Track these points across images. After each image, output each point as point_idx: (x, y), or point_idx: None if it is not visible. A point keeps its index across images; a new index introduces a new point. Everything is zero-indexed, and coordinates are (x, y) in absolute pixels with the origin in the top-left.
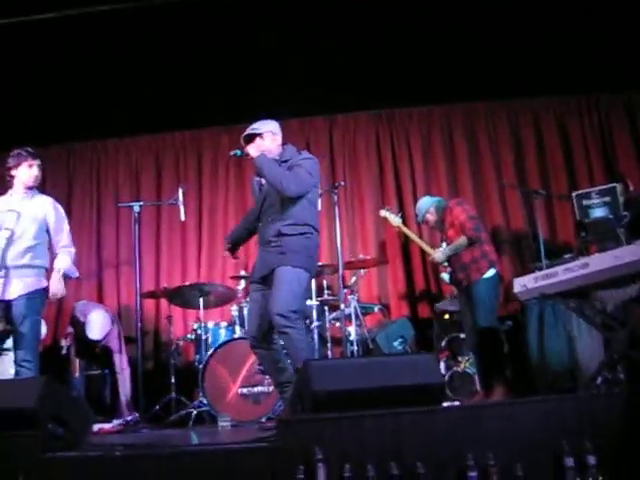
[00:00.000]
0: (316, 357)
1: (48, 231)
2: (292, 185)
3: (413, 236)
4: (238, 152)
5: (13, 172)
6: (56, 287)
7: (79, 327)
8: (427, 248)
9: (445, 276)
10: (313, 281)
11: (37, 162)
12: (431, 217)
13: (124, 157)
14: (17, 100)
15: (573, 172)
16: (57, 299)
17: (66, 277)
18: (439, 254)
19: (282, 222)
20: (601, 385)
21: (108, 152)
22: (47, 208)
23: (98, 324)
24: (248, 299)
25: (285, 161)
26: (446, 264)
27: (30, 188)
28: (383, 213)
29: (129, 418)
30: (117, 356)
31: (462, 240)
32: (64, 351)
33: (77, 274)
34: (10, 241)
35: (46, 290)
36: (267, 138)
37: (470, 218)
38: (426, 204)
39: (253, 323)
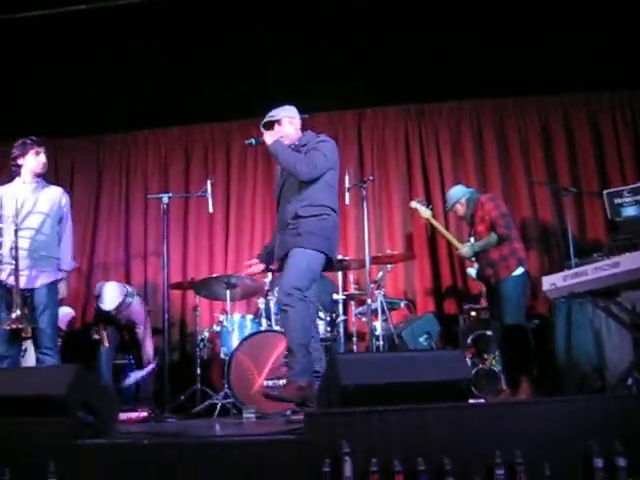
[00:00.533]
0: (313, 335)
1: (59, 220)
2: (305, 168)
3: (442, 229)
4: (253, 141)
5: (20, 161)
6: (63, 290)
7: (97, 303)
8: (455, 242)
9: (472, 271)
10: (340, 275)
11: (43, 149)
12: (460, 208)
13: (153, 149)
14: (48, 91)
15: (604, 170)
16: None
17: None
18: (467, 249)
19: (299, 204)
20: (631, 386)
21: (137, 144)
22: (60, 198)
23: (109, 295)
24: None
25: (303, 145)
26: (473, 259)
27: (38, 175)
28: (413, 204)
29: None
30: (141, 329)
31: (492, 237)
32: (95, 336)
33: (75, 264)
34: (28, 231)
35: (62, 280)
36: (285, 123)
37: (502, 215)
38: (458, 193)
39: (280, 288)
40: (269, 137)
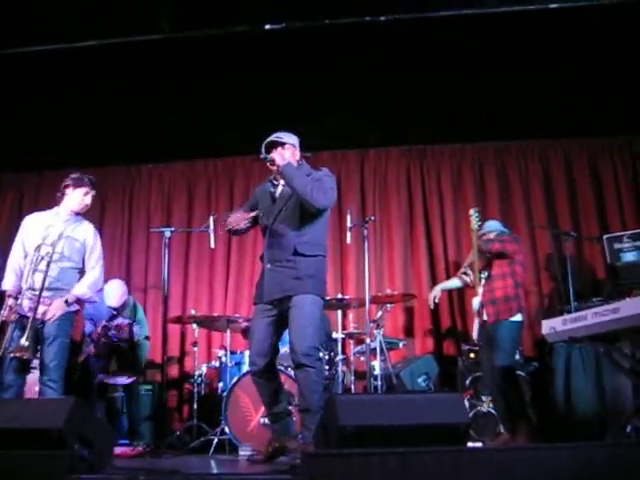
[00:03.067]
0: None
1: (84, 256)
2: (323, 196)
3: (476, 250)
4: (267, 156)
5: (68, 191)
6: (54, 310)
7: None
8: (476, 274)
9: (476, 302)
10: (339, 313)
11: (93, 192)
12: (484, 238)
13: (157, 183)
14: (51, 124)
15: (604, 214)
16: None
17: (81, 301)
18: (476, 300)
19: (298, 238)
20: (631, 432)
21: (141, 177)
22: (88, 234)
23: (114, 292)
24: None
25: (307, 175)
26: (481, 291)
27: (76, 214)
28: (472, 211)
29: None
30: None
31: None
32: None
33: (95, 299)
34: (50, 260)
35: (76, 313)
36: (288, 150)
37: (500, 242)
38: (493, 226)
39: (258, 352)
40: (280, 158)
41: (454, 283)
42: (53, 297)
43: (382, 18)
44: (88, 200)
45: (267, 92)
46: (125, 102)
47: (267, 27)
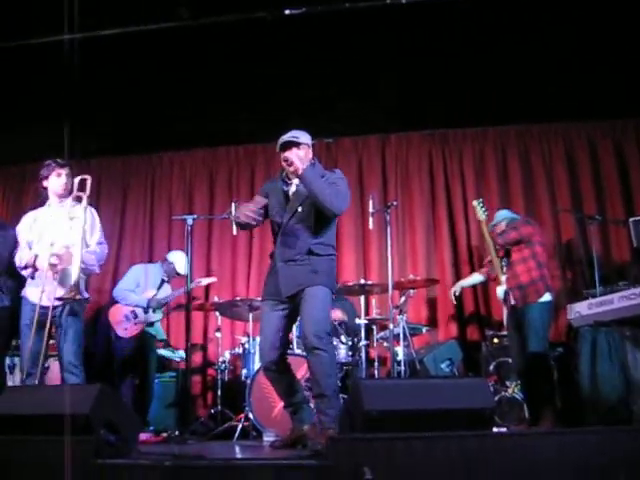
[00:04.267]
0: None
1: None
2: (340, 202)
3: (488, 239)
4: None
5: (45, 183)
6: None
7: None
8: (496, 262)
9: (500, 291)
10: (362, 299)
11: (65, 171)
12: (498, 229)
13: (178, 171)
14: (75, 111)
15: (630, 197)
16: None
17: (86, 271)
18: (500, 290)
19: (313, 240)
20: None
21: (163, 165)
22: (85, 216)
23: (183, 260)
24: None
25: (321, 177)
26: (504, 278)
27: (61, 196)
28: (475, 203)
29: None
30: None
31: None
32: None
33: (97, 270)
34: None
35: (87, 300)
36: (303, 150)
37: (514, 229)
38: (503, 215)
39: (269, 345)
40: (298, 161)
41: (476, 278)
42: (58, 285)
43: (403, 0)
44: (64, 179)
45: (287, 79)
46: (146, 90)
47: (287, 12)
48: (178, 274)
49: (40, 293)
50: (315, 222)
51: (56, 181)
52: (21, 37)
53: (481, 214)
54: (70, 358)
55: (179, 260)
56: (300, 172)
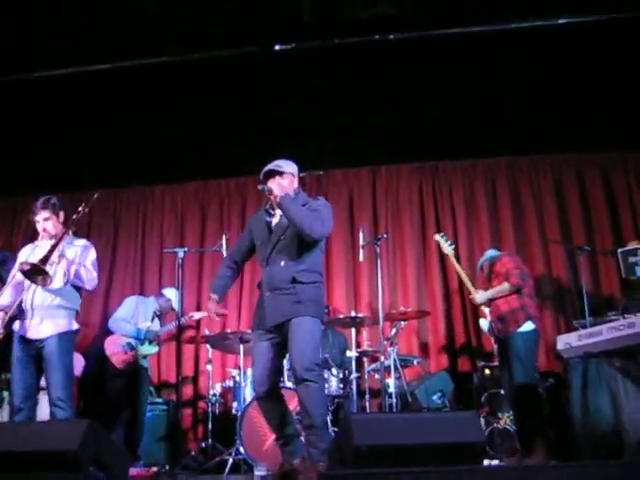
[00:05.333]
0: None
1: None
2: (319, 227)
3: (459, 270)
4: (265, 187)
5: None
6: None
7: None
8: (470, 286)
9: (484, 324)
10: (353, 331)
11: (40, 217)
12: (486, 269)
13: (169, 203)
14: (67, 144)
15: (619, 228)
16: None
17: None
18: (480, 294)
19: (296, 268)
20: None
21: (154, 198)
22: (77, 251)
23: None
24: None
25: (302, 205)
26: (487, 310)
27: (51, 237)
28: (437, 238)
29: None
30: None
31: (504, 286)
32: None
33: (86, 287)
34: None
35: (76, 332)
36: (287, 179)
37: (517, 267)
38: (486, 256)
39: (262, 375)
40: (277, 188)
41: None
42: (47, 316)
43: (391, 36)
44: (40, 226)
45: (278, 112)
46: (137, 124)
47: (277, 48)
48: (173, 310)
49: (26, 325)
50: (297, 250)
51: (38, 227)
52: (19, 71)
53: (446, 247)
54: (59, 393)
55: (173, 295)
56: (277, 199)
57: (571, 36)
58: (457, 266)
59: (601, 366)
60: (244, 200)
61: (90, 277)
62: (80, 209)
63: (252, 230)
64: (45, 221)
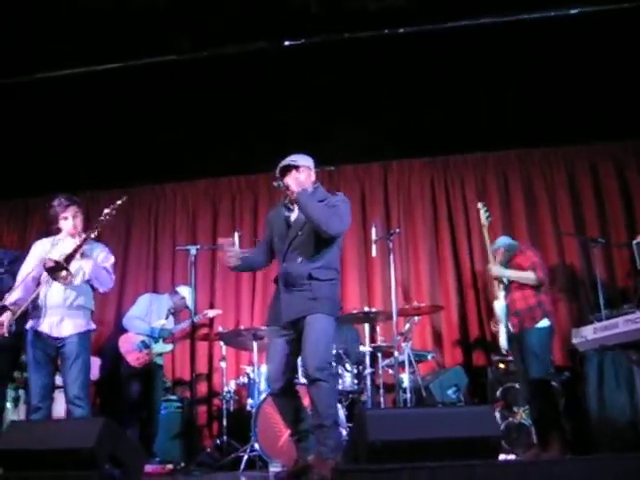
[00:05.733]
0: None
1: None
2: (337, 224)
3: (487, 242)
4: (281, 184)
5: (55, 226)
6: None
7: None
8: (490, 257)
9: (498, 308)
10: (367, 327)
11: (69, 213)
12: (498, 256)
13: (181, 201)
14: (78, 144)
15: (633, 219)
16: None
17: (90, 282)
18: (497, 267)
19: (313, 264)
20: None
21: (166, 196)
22: (98, 253)
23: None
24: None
25: (321, 200)
26: (502, 294)
27: (73, 236)
28: (479, 205)
29: None
30: None
31: (530, 275)
32: None
33: (103, 289)
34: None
35: (93, 331)
36: (303, 173)
37: (542, 263)
38: (501, 242)
39: (277, 371)
40: (294, 184)
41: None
42: (67, 315)
43: (401, 30)
44: (70, 222)
45: (288, 108)
46: (148, 122)
47: (286, 43)
48: (187, 307)
49: (45, 323)
50: (315, 246)
51: (65, 224)
52: (24, 73)
53: (484, 218)
54: (75, 391)
55: (188, 293)
56: (294, 195)
57: (583, 26)
58: (487, 239)
59: (617, 359)
60: (256, 196)
61: (109, 280)
62: (107, 210)
63: (272, 225)
64: (74, 218)
